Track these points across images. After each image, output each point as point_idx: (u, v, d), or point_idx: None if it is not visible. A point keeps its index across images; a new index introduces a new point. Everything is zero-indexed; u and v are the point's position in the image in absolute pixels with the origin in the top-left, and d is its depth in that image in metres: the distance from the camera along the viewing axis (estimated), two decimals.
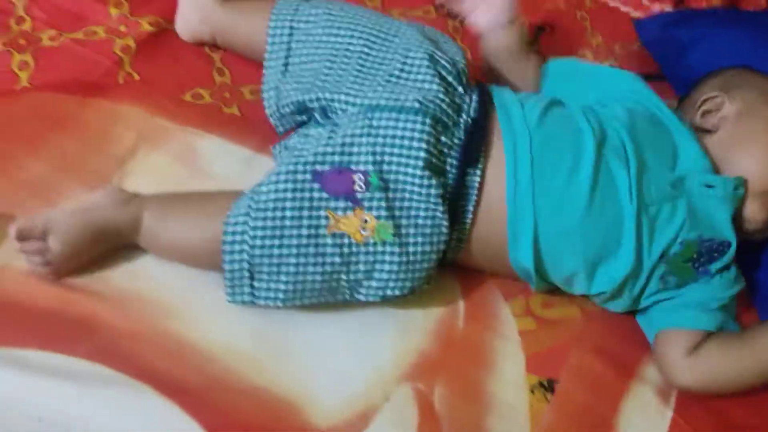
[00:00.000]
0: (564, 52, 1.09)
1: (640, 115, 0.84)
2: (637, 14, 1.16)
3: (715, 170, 0.83)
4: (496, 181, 0.79)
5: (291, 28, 0.86)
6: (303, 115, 0.84)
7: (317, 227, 0.74)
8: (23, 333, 0.70)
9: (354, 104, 0.78)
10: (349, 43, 0.82)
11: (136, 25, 0.91)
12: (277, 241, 0.73)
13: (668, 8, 1.16)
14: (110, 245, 0.76)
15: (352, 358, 0.76)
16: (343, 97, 0.79)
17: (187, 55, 0.92)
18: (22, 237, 0.71)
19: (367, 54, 0.82)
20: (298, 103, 0.82)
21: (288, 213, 0.73)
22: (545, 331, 0.83)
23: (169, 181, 0.82)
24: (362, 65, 0.81)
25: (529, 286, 0.84)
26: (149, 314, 0.74)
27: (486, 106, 0.82)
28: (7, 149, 0.81)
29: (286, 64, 0.85)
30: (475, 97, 0.82)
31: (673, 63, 1.09)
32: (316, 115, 0.82)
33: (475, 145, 0.79)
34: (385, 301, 0.77)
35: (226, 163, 0.86)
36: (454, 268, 0.83)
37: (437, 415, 0.74)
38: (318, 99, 0.80)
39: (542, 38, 1.10)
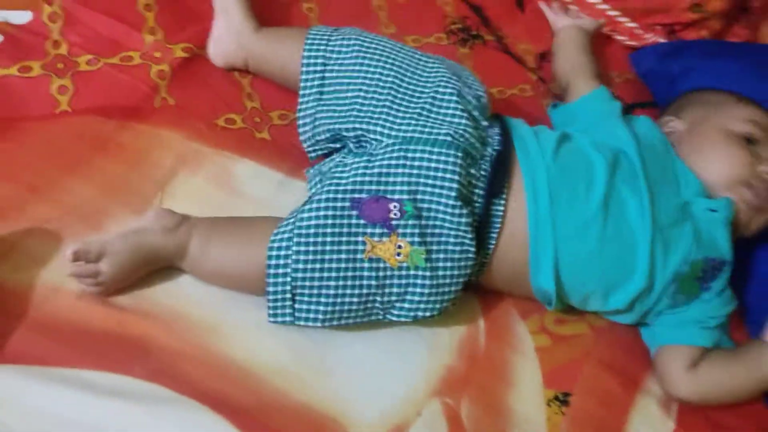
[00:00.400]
0: None
1: (648, 145, 0.91)
2: (631, 43, 1.23)
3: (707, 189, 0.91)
4: (518, 211, 0.85)
5: (324, 57, 0.90)
6: (337, 143, 0.89)
7: (355, 252, 0.78)
8: (80, 353, 0.73)
9: (389, 136, 0.83)
10: (381, 74, 0.87)
11: (170, 51, 0.95)
12: (318, 265, 0.78)
13: (660, 38, 1.23)
14: (157, 267, 0.80)
15: (385, 375, 0.81)
16: (378, 129, 0.84)
17: (218, 81, 0.96)
18: (77, 259, 0.75)
19: (399, 86, 0.86)
20: (334, 131, 0.87)
21: (328, 238, 0.78)
22: (559, 347, 0.89)
23: (207, 204, 0.86)
24: (394, 97, 0.86)
25: (542, 304, 0.90)
26: (197, 334, 0.78)
27: (505, 138, 0.88)
28: (53, 173, 0.83)
29: (320, 93, 0.89)
30: (497, 130, 0.88)
31: (666, 92, 1.16)
32: (351, 144, 0.87)
33: (499, 177, 0.85)
34: (415, 321, 0.82)
35: (261, 186, 0.90)
36: (474, 289, 0.89)
37: (465, 429, 0.80)
38: (354, 129, 0.85)
39: (544, 65, 1.17)
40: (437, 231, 0.80)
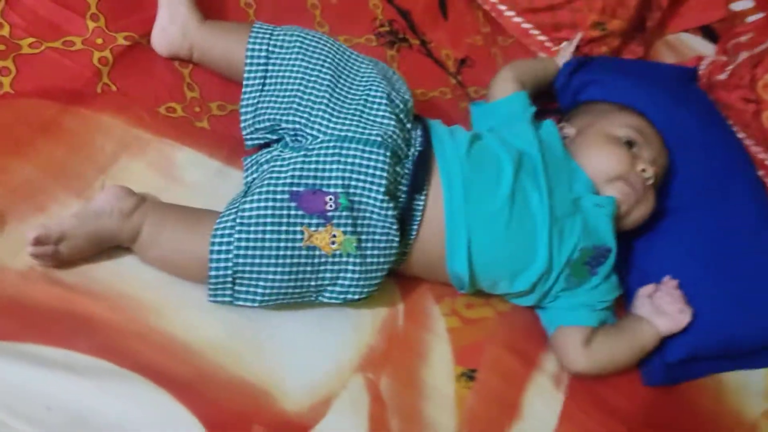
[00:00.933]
0: (481, 83, 1.25)
1: (549, 147, 1.03)
2: (542, 55, 1.35)
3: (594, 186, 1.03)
4: (436, 204, 0.94)
5: (267, 51, 0.95)
6: (274, 134, 0.95)
7: (293, 240, 0.85)
8: (26, 329, 0.77)
9: (325, 133, 0.90)
10: (319, 72, 0.94)
11: (112, 39, 0.97)
12: (258, 252, 0.84)
13: None
14: (108, 248, 0.85)
15: (314, 352, 0.89)
16: (316, 126, 0.91)
17: (159, 70, 0.99)
18: (38, 243, 0.79)
19: (335, 85, 0.93)
20: (274, 121, 0.93)
21: (268, 228, 0.85)
22: (468, 329, 0.99)
23: (148, 190, 0.90)
24: (330, 96, 0.93)
25: (455, 290, 1.00)
26: (139, 312, 0.83)
27: (426, 138, 0.98)
28: None
29: (263, 84, 0.95)
30: (419, 131, 0.98)
31: (569, 102, 1.29)
32: (287, 137, 0.94)
33: (420, 174, 0.94)
34: (344, 303, 0.90)
35: (200, 174, 0.95)
36: (395, 276, 0.97)
37: (384, 401, 0.89)
38: (294, 122, 0.92)
39: (463, 70, 1.27)
40: (367, 222, 0.89)
